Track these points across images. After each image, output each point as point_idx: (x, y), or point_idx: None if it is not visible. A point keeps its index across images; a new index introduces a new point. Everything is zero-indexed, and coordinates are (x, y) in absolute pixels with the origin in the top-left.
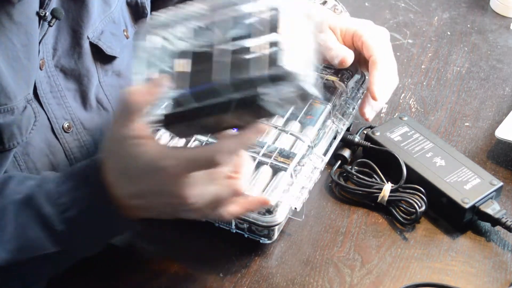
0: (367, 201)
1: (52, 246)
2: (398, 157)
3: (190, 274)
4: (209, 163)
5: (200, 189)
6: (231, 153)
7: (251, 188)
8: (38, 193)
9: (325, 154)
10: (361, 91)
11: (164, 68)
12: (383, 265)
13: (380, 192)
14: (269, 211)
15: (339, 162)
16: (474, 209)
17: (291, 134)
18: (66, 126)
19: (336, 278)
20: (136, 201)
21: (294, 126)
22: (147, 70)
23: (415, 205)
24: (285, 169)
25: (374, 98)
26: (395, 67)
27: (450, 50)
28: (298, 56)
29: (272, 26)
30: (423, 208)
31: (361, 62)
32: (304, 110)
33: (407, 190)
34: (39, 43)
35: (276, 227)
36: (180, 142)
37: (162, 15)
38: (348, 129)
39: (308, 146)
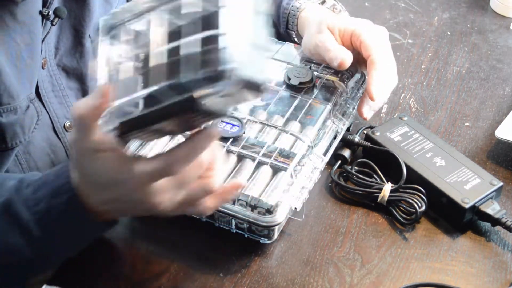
0: (367, 201)
1: (29, 251)
2: (398, 157)
3: (190, 274)
4: (166, 173)
5: (168, 195)
6: (185, 162)
7: (251, 188)
8: (16, 198)
9: (325, 154)
10: (361, 91)
11: (112, 74)
12: (383, 265)
13: (380, 192)
14: (269, 211)
15: (339, 162)
16: (474, 209)
17: (291, 134)
18: (67, 125)
19: (336, 278)
20: (107, 207)
21: (294, 126)
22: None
23: (415, 205)
24: (285, 169)
25: (371, 98)
26: (394, 66)
27: (450, 50)
28: (237, 47)
29: (205, 20)
30: (423, 208)
31: (361, 62)
32: (304, 110)
33: (407, 190)
34: (42, 42)
35: (276, 227)
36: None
37: (110, 16)
38: (348, 129)
39: (308, 146)
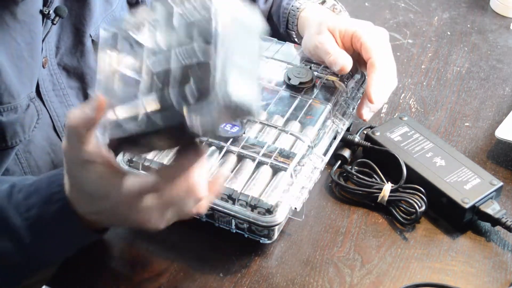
0: (367, 201)
1: (19, 255)
2: (398, 157)
3: (190, 274)
4: (153, 190)
5: (156, 213)
6: (172, 180)
7: (251, 188)
8: (7, 203)
9: (325, 154)
10: (361, 91)
11: (108, 83)
12: (383, 265)
13: (380, 192)
14: (269, 211)
15: (339, 162)
16: (474, 209)
17: (291, 134)
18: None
19: (336, 278)
20: (95, 217)
21: (294, 126)
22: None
23: (415, 205)
24: (285, 169)
25: (370, 101)
26: (394, 68)
27: (450, 50)
28: (227, 69)
29: (203, 34)
30: (423, 208)
31: (361, 63)
32: (304, 110)
33: (407, 190)
34: (42, 41)
35: (276, 227)
36: None
37: (111, 25)
38: (348, 129)
39: (308, 146)
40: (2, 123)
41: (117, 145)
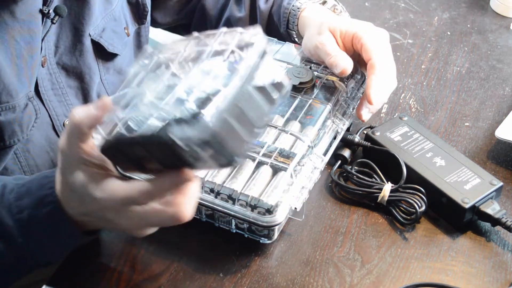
0: (367, 201)
1: (11, 256)
2: (398, 157)
3: (190, 274)
4: (141, 202)
5: (142, 221)
6: (159, 196)
7: (251, 188)
8: None
9: (325, 154)
10: (361, 91)
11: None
12: (383, 265)
13: (380, 192)
14: (269, 211)
15: (339, 162)
16: (474, 209)
17: (291, 134)
18: (67, 123)
19: (336, 278)
20: (85, 218)
21: (294, 126)
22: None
23: (415, 205)
24: (285, 169)
25: (369, 102)
26: (394, 70)
27: (450, 50)
28: (220, 114)
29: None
30: (423, 208)
31: (361, 63)
32: (304, 110)
33: (407, 190)
34: (42, 40)
35: (276, 227)
36: None
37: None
38: (348, 129)
39: (308, 146)
40: (0, 123)
41: (110, 151)
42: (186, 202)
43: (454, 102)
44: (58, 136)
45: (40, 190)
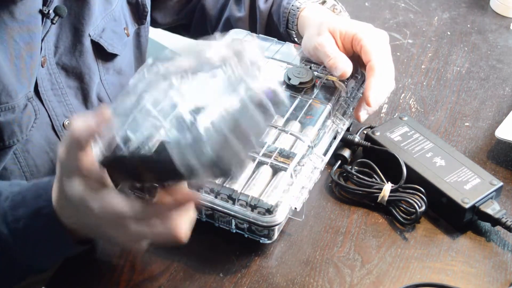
0: (367, 201)
1: (6, 262)
2: (398, 157)
3: (190, 274)
4: (137, 219)
5: (138, 237)
6: (155, 216)
7: (251, 188)
8: None
9: (325, 154)
10: (361, 91)
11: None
12: (383, 265)
13: (380, 192)
14: (269, 211)
15: (339, 162)
16: (474, 209)
17: (291, 134)
18: (66, 123)
19: (336, 278)
20: (80, 227)
21: (294, 126)
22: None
23: (415, 205)
24: (285, 169)
25: (368, 104)
26: (393, 72)
27: (450, 50)
28: (215, 128)
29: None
30: (423, 208)
31: (361, 64)
32: (304, 110)
33: (407, 190)
34: (42, 41)
35: (276, 227)
36: None
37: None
38: (348, 129)
39: (308, 146)
40: None
41: (108, 164)
42: (183, 223)
43: (454, 102)
44: (57, 136)
45: (36, 201)
